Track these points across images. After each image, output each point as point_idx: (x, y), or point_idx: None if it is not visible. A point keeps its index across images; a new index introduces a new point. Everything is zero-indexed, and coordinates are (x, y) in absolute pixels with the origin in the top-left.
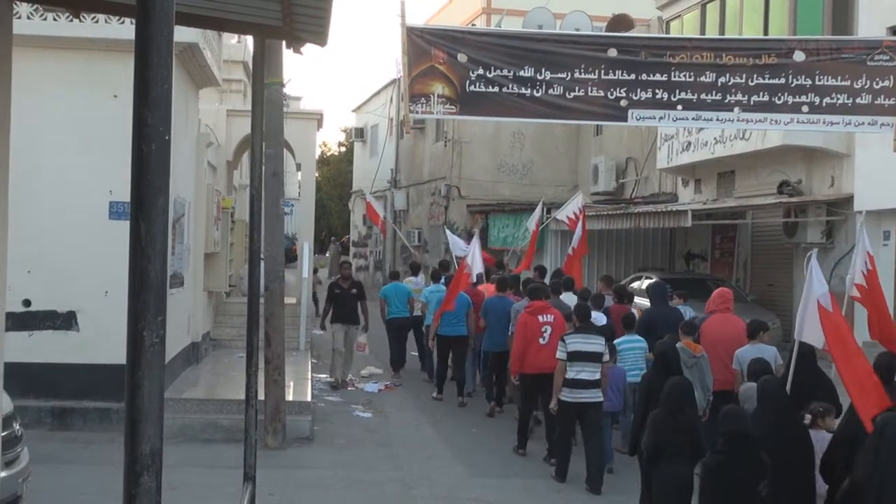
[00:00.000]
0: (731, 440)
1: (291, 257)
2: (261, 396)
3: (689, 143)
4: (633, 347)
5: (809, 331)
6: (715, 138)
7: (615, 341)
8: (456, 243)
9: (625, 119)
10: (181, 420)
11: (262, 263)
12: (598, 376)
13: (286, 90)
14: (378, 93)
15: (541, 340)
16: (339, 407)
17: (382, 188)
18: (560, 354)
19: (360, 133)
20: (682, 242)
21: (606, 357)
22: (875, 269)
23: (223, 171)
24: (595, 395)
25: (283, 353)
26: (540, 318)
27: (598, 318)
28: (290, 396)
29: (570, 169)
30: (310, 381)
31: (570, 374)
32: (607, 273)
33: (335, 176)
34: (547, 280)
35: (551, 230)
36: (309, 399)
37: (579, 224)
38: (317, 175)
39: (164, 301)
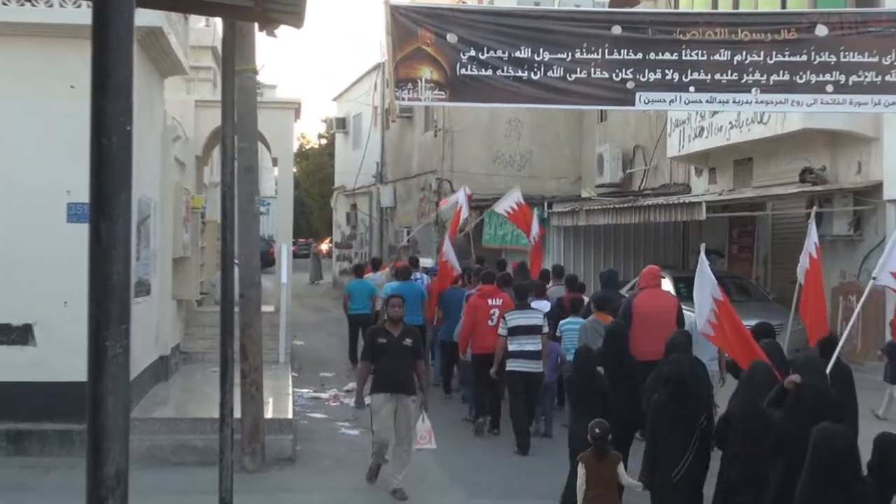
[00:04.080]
0: (672, 382)
1: (268, 261)
2: (237, 414)
3: (703, 129)
4: (573, 329)
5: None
6: (730, 123)
7: (560, 322)
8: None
9: (632, 103)
10: (149, 442)
11: (237, 268)
12: (539, 347)
13: (260, 78)
14: (361, 79)
15: (489, 322)
16: (324, 424)
17: (367, 183)
18: (501, 331)
19: (341, 123)
20: (696, 237)
21: (545, 329)
22: (819, 258)
23: (192, 168)
24: (537, 366)
25: (260, 366)
26: (489, 301)
27: (543, 304)
28: (269, 414)
29: (573, 159)
30: (291, 397)
31: (515, 347)
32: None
33: (315, 171)
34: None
35: (553, 226)
36: (290, 416)
37: (535, 222)
38: (295, 170)
39: (129, 308)
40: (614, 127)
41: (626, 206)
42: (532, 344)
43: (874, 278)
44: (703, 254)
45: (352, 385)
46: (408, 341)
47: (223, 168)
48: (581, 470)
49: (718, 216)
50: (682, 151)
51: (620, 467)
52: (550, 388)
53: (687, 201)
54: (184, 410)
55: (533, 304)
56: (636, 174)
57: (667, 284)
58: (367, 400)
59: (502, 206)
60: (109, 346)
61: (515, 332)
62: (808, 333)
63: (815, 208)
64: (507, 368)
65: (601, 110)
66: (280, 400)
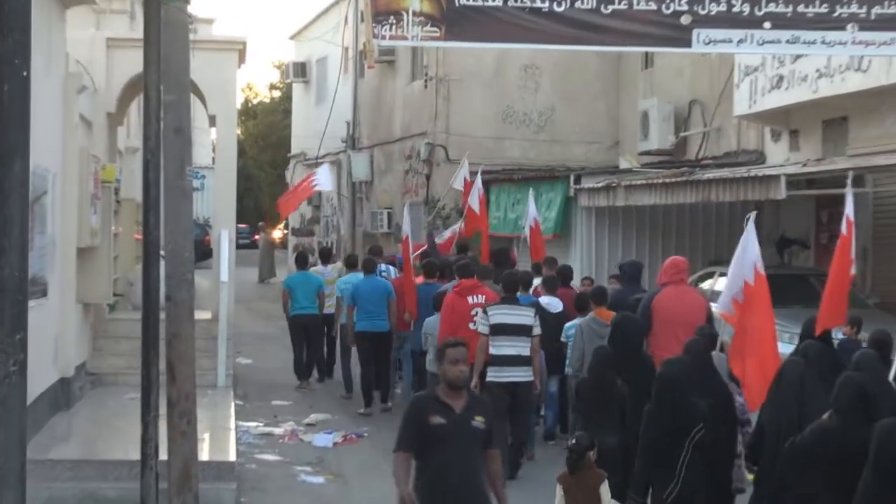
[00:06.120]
0: (661, 385)
1: (204, 253)
2: (163, 455)
3: (781, 78)
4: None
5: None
6: (818, 70)
7: (566, 325)
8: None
9: (687, 43)
10: (47, 491)
11: (162, 262)
12: (528, 352)
13: (192, 9)
14: (326, 11)
15: (471, 325)
16: (277, 469)
17: (335, 149)
18: (482, 328)
19: (300, 70)
20: (772, 223)
21: (537, 330)
22: (850, 235)
23: (103, 129)
24: (526, 374)
25: (193, 391)
26: (470, 299)
27: (554, 303)
28: (204, 455)
29: (608, 118)
30: (233, 432)
31: (496, 350)
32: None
33: (266, 133)
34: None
35: (581, 207)
36: (232, 458)
37: (531, 202)
38: (239, 132)
39: (25, 311)
40: (664, 75)
41: (678, 180)
42: (518, 347)
43: None
44: (751, 221)
45: (314, 417)
46: (477, 421)
47: (145, 129)
48: (559, 491)
49: (802, 194)
50: (753, 108)
51: (604, 488)
52: (534, 402)
53: (760, 174)
54: (92, 450)
55: (542, 302)
56: (692, 138)
57: None
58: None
59: (458, 182)
60: (0, 363)
61: (498, 331)
62: (820, 318)
63: (850, 172)
64: (487, 379)
65: (646, 53)
66: (219, 436)
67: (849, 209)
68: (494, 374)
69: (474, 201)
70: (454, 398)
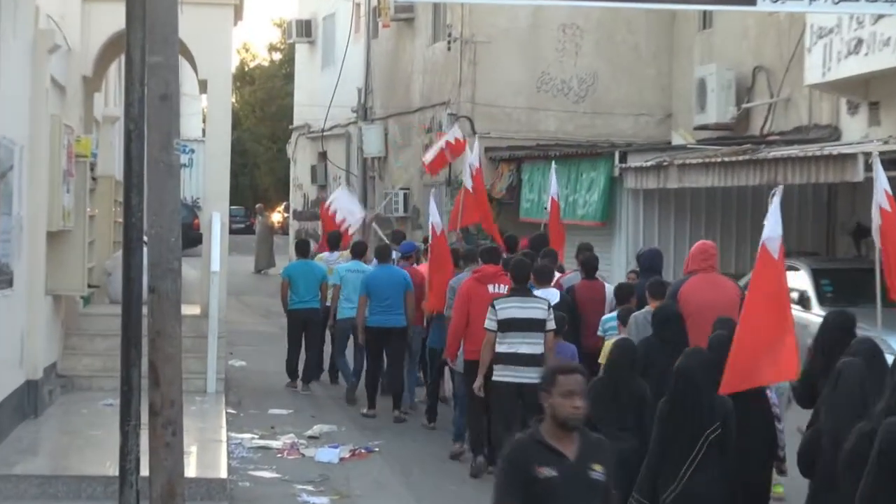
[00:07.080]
0: (677, 377)
1: (192, 238)
2: (144, 471)
3: (860, 42)
4: (616, 327)
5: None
6: None
7: (603, 317)
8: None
9: (752, 1)
10: None
11: (145, 248)
12: (541, 350)
13: None
14: None
15: None
16: (275, 487)
17: (344, 121)
18: (489, 324)
19: (305, 29)
20: (847, 208)
21: (551, 325)
22: (895, 209)
23: (78, 95)
24: (537, 376)
25: (180, 398)
26: (490, 287)
27: (549, 295)
28: (192, 470)
29: (659, 86)
30: (224, 445)
31: (505, 348)
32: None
33: (264, 101)
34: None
35: (628, 189)
36: (224, 475)
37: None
38: (234, 100)
39: None
40: (724, 38)
41: (740, 159)
42: (529, 345)
43: None
44: (777, 197)
45: (318, 429)
46: (596, 471)
47: (127, 95)
48: None
49: None
50: (827, 76)
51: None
52: None
53: (835, 153)
54: (64, 463)
55: (536, 293)
56: (756, 111)
57: (802, 279)
58: None
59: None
60: None
61: (507, 326)
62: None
63: (876, 147)
64: (493, 378)
65: (704, 12)
66: (209, 450)
67: (884, 183)
68: (501, 374)
69: (467, 179)
70: (565, 441)
